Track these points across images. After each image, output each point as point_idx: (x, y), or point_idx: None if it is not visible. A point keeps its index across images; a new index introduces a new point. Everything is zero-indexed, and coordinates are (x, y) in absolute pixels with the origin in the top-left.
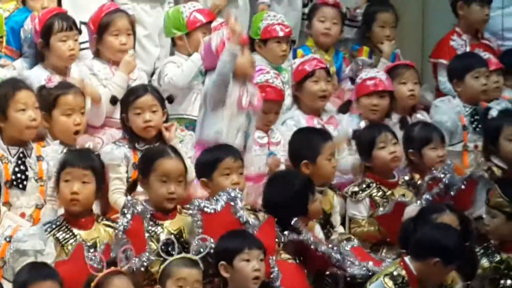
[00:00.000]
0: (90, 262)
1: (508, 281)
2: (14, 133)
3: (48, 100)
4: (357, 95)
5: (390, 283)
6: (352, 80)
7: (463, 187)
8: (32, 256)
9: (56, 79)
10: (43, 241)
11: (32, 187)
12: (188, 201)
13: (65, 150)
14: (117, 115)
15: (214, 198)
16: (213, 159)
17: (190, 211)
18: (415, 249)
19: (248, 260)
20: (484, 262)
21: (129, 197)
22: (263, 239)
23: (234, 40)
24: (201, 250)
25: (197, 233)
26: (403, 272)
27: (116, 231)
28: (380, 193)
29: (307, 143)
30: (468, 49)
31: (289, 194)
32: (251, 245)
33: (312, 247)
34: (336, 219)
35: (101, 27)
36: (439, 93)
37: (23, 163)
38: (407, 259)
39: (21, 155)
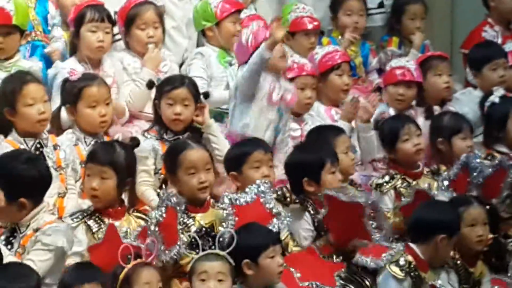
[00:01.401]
0: (125, 240)
1: None
2: (26, 127)
3: (72, 93)
4: (385, 83)
5: (398, 270)
6: (380, 71)
7: (491, 173)
8: (50, 250)
9: (79, 71)
10: (68, 240)
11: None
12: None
13: (93, 142)
14: (146, 109)
15: (244, 191)
16: (242, 153)
17: (222, 205)
18: (417, 232)
19: (273, 257)
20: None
21: (163, 190)
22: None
23: (269, 44)
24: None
25: (230, 226)
26: (409, 258)
27: (149, 223)
28: (404, 184)
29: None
30: (500, 40)
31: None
32: (274, 240)
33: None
34: None
35: (128, 20)
36: (468, 84)
37: (41, 153)
38: (411, 244)
39: (38, 145)
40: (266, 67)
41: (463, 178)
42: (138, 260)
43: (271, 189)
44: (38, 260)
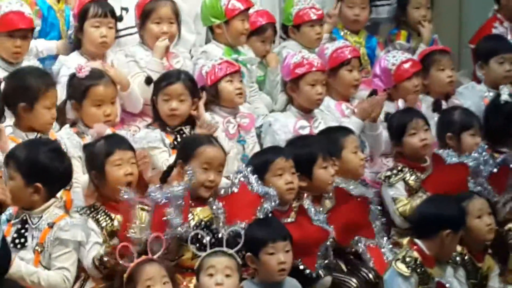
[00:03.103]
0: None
1: None
2: (35, 125)
3: (78, 90)
4: (398, 81)
5: (403, 267)
6: None
7: (495, 171)
8: (71, 247)
9: (87, 68)
10: (86, 233)
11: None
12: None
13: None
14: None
15: (230, 180)
16: (264, 161)
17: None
18: (422, 228)
19: (272, 254)
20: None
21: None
22: (301, 231)
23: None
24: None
25: (222, 220)
26: (415, 254)
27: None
28: (413, 176)
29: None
30: (509, 37)
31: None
32: (275, 237)
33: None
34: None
35: (144, 14)
36: (475, 79)
37: None
38: (416, 240)
39: None
40: (222, 101)
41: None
42: (143, 257)
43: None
44: (69, 265)
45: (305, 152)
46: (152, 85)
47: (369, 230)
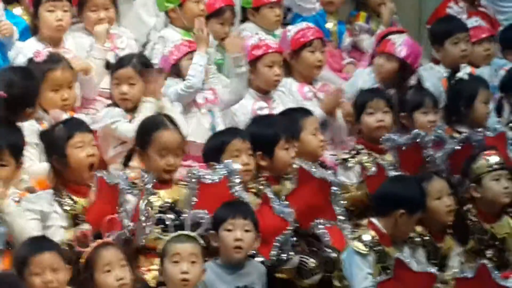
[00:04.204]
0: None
1: (489, 252)
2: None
3: (36, 73)
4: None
5: (361, 246)
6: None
7: (458, 148)
8: (38, 215)
9: (45, 52)
10: (51, 206)
11: None
12: None
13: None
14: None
15: (214, 168)
16: (221, 142)
17: (188, 180)
18: (379, 206)
19: (230, 230)
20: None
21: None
22: (261, 220)
23: None
24: (197, 222)
25: (192, 202)
26: (372, 233)
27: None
28: (370, 158)
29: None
30: (465, 16)
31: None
32: (235, 214)
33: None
34: None
35: (80, 2)
36: (435, 60)
37: None
38: (373, 219)
39: None
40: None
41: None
42: (98, 241)
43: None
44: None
45: (267, 132)
46: None
47: (330, 212)
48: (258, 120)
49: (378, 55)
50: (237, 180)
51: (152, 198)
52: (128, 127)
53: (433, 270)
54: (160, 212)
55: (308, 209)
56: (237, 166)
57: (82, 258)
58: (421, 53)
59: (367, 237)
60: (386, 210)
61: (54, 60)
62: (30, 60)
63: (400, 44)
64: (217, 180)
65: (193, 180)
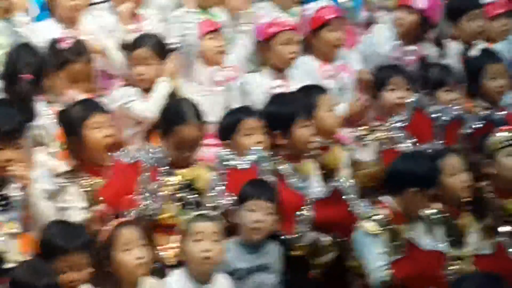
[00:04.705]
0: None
1: (508, 227)
2: None
3: (56, 59)
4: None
5: (371, 226)
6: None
7: (479, 126)
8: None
9: (70, 40)
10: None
11: None
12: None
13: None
14: None
15: (243, 155)
16: (234, 121)
17: (217, 164)
18: (391, 184)
19: (252, 210)
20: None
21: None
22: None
23: None
24: (218, 204)
25: (218, 185)
26: (383, 211)
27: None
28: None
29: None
30: None
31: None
32: (260, 195)
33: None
34: (343, 174)
35: None
36: (453, 36)
37: None
38: (384, 197)
39: None
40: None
41: (420, 121)
42: (118, 220)
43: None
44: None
45: (286, 111)
46: None
47: None
48: (275, 99)
49: (398, 8)
50: (267, 167)
51: (170, 179)
52: (142, 106)
53: (443, 248)
54: (179, 189)
55: None
56: (265, 153)
57: (102, 236)
58: (441, 8)
59: (378, 216)
60: (398, 188)
61: (77, 51)
62: (55, 42)
63: None
64: (247, 167)
65: (223, 164)
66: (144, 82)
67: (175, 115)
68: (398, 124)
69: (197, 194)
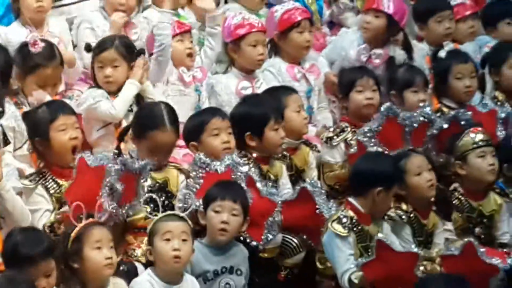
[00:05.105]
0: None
1: (477, 229)
2: None
3: (26, 63)
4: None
5: (339, 227)
6: (331, 24)
7: (446, 126)
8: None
9: (42, 44)
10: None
11: None
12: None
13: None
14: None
15: (219, 159)
16: (200, 122)
17: (194, 166)
18: (355, 185)
19: (217, 212)
20: (453, 213)
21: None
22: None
23: None
24: (186, 205)
25: (190, 187)
26: (350, 213)
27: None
28: (355, 136)
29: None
30: None
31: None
32: (225, 196)
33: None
34: (311, 175)
35: None
36: (419, 37)
37: None
38: (350, 199)
39: None
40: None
41: (391, 128)
42: (90, 219)
43: (246, 165)
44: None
45: (257, 113)
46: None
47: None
48: (246, 100)
49: (364, 12)
50: (242, 171)
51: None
52: (108, 105)
53: (415, 249)
54: (150, 191)
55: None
56: (240, 159)
57: (73, 233)
58: (407, 12)
59: (345, 218)
60: (363, 188)
61: (49, 55)
62: (26, 45)
63: (388, 0)
64: (221, 171)
65: (200, 166)
66: (111, 84)
67: (149, 119)
68: (369, 134)
69: (169, 196)
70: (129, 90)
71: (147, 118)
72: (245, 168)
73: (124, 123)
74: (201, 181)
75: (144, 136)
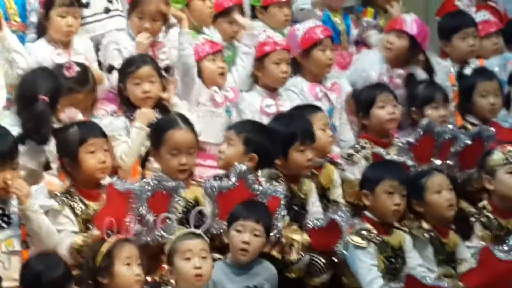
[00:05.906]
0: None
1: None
2: None
3: (61, 87)
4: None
5: (358, 239)
6: (357, 43)
7: (469, 143)
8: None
9: (76, 69)
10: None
11: None
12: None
13: None
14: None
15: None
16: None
17: (207, 192)
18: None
19: (239, 231)
20: (481, 230)
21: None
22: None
23: None
24: (200, 223)
25: (213, 210)
26: (367, 225)
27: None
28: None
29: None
30: (473, 9)
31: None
32: (248, 216)
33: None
34: (336, 193)
35: (131, 4)
36: (443, 53)
37: None
38: (366, 212)
39: None
40: (205, 80)
41: (426, 143)
42: (120, 236)
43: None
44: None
45: (283, 133)
46: (114, 72)
47: None
48: (279, 118)
49: (387, 32)
50: (252, 179)
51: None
52: (124, 149)
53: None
54: (186, 211)
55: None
56: (245, 166)
57: (104, 248)
58: (429, 34)
59: (363, 230)
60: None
61: (82, 81)
62: (60, 67)
63: (411, 22)
64: (232, 187)
65: (212, 191)
66: (149, 100)
67: (163, 123)
68: (406, 146)
69: (203, 215)
70: (138, 137)
71: (161, 123)
72: (253, 176)
73: None
74: (217, 204)
75: (161, 141)
